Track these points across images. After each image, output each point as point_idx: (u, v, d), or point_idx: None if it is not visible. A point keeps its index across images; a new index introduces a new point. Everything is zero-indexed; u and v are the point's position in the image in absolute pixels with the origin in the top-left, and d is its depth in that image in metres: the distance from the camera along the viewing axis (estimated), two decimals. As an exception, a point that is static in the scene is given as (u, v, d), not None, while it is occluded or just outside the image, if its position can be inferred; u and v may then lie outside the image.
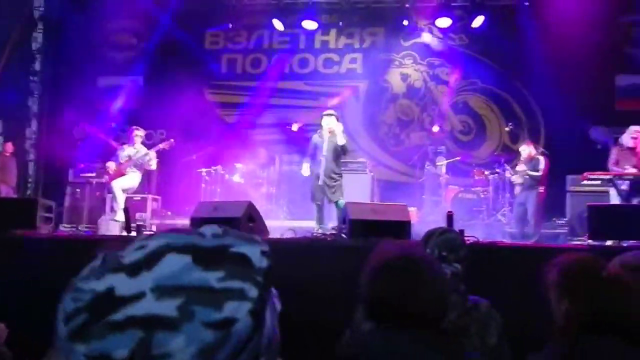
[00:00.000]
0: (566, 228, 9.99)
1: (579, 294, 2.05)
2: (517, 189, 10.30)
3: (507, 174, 10.77)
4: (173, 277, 0.78)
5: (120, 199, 9.56)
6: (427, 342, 1.91)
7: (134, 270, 0.79)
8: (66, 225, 10.08)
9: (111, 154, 10.32)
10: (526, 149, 10.33)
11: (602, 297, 2.00)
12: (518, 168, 10.22)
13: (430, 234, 3.22)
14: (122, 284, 0.78)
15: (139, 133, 10.11)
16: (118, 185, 9.69)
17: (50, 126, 13.70)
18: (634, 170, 8.74)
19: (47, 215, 7.71)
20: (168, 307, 0.75)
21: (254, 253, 0.85)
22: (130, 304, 0.76)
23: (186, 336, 0.74)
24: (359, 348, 2.06)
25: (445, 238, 3.18)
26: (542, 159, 10.16)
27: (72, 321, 0.77)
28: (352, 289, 2.12)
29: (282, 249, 5.71)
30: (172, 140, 10.13)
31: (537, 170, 10.01)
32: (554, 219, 10.64)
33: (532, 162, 10.12)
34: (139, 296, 0.76)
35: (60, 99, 13.58)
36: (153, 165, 10.02)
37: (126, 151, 9.97)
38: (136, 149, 9.98)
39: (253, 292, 0.80)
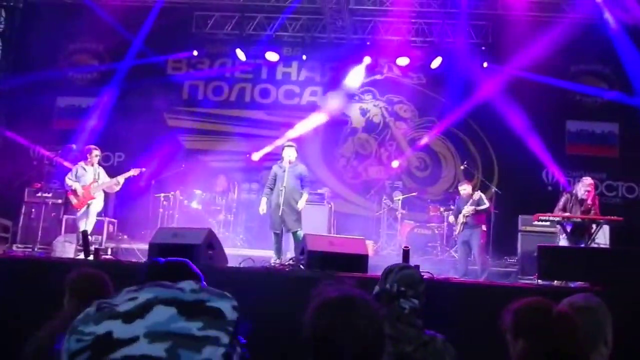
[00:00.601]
0: (517, 267, 10.23)
1: (531, 332, 2.18)
2: (460, 227, 10.33)
3: (451, 218, 10.85)
4: (162, 325, 0.97)
5: (92, 223, 9.54)
6: None
7: (129, 317, 0.98)
8: (19, 245, 9.87)
9: (66, 174, 10.12)
10: (467, 188, 10.46)
11: (552, 335, 2.14)
12: (465, 211, 10.19)
13: (389, 270, 3.33)
14: (118, 329, 0.96)
15: (98, 153, 10.00)
16: (95, 210, 9.69)
17: (5, 144, 13.50)
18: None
19: (3, 235, 7.60)
20: (158, 350, 0.93)
21: (227, 307, 1.04)
22: (127, 346, 0.93)
23: None
24: None
25: (404, 274, 3.29)
26: (483, 195, 10.33)
27: (76, 358, 0.94)
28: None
29: (240, 279, 5.76)
30: (144, 169, 10.12)
31: (483, 204, 10.13)
32: (505, 257, 10.87)
33: (476, 201, 10.19)
34: (134, 339, 0.94)
35: (17, 117, 13.42)
36: (116, 189, 10.01)
37: (88, 172, 9.86)
38: (95, 169, 9.89)
39: (225, 339, 0.99)
